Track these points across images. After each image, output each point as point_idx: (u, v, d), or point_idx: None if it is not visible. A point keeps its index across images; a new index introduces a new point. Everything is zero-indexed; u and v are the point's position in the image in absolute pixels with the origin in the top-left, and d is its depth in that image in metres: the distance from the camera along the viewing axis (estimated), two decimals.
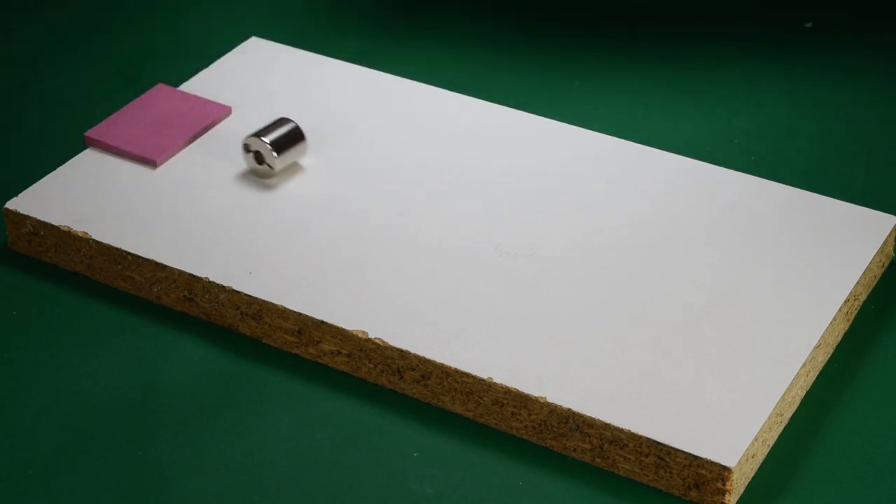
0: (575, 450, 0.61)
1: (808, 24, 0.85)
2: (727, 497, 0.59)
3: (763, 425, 0.59)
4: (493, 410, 0.62)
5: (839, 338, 0.66)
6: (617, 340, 0.63)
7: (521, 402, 0.61)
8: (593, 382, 0.61)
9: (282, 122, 0.72)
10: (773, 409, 0.60)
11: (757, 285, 0.65)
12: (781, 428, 0.62)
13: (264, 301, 0.65)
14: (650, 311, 0.64)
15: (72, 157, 0.74)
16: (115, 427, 0.63)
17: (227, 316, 0.67)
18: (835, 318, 0.64)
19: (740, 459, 0.58)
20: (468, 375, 0.62)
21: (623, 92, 0.81)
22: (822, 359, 0.65)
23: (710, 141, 0.77)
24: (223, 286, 0.66)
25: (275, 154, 0.71)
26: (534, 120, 0.75)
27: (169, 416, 0.63)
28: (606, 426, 0.60)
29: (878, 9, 0.86)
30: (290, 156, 0.72)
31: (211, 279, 0.67)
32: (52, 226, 0.70)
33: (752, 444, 0.59)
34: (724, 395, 0.60)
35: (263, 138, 0.71)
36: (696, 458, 0.58)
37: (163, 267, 0.67)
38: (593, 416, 0.60)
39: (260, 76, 0.79)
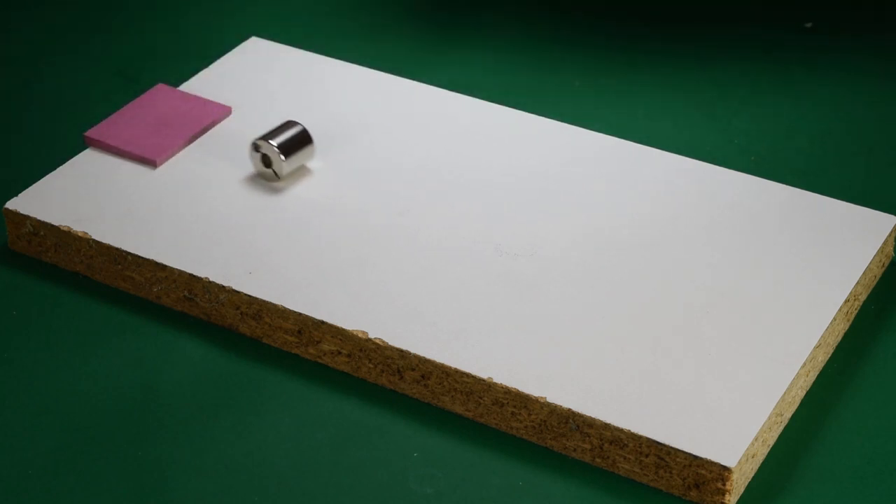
0: (575, 450, 0.61)
1: (808, 24, 0.85)
2: (727, 497, 0.59)
3: (763, 425, 0.59)
4: (493, 410, 0.62)
5: (839, 338, 0.66)
6: (617, 340, 0.63)
7: (521, 402, 0.61)
8: (593, 382, 0.61)
9: (299, 131, 0.72)
10: (773, 409, 0.60)
11: (757, 285, 0.65)
12: (781, 428, 0.62)
13: (264, 301, 0.65)
14: (650, 311, 0.64)
15: (72, 157, 0.74)
16: (115, 427, 0.63)
17: (227, 316, 0.67)
18: (835, 318, 0.64)
19: (740, 459, 0.58)
20: (468, 375, 0.62)
21: (623, 92, 0.81)
22: (822, 359, 0.65)
23: (710, 141, 0.77)
24: (223, 286, 0.66)
25: (285, 165, 0.71)
26: (534, 120, 0.75)
27: (169, 416, 0.63)
28: (606, 426, 0.60)
29: (878, 9, 0.86)
30: (298, 162, 0.72)
31: (211, 279, 0.67)
32: (52, 226, 0.70)
33: (752, 444, 0.59)
34: (724, 395, 0.60)
35: (281, 154, 0.71)
36: (696, 458, 0.58)
37: (163, 267, 0.67)
38: (593, 416, 0.60)
39: (260, 76, 0.79)
